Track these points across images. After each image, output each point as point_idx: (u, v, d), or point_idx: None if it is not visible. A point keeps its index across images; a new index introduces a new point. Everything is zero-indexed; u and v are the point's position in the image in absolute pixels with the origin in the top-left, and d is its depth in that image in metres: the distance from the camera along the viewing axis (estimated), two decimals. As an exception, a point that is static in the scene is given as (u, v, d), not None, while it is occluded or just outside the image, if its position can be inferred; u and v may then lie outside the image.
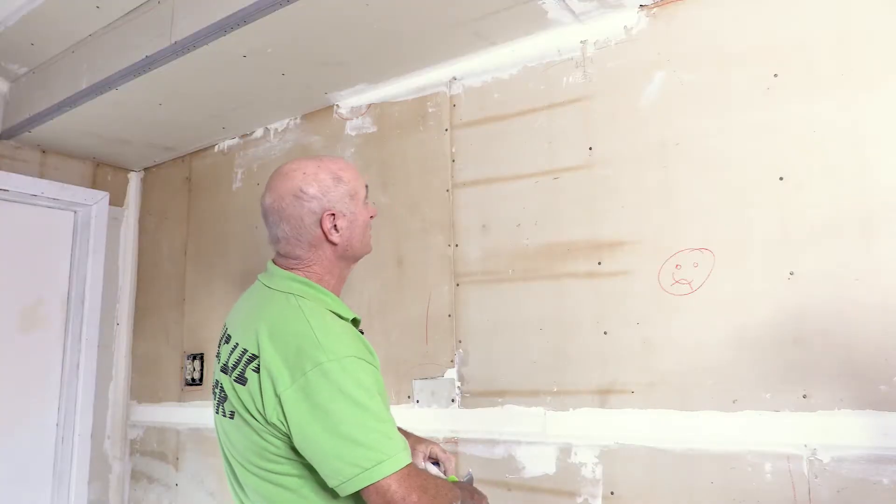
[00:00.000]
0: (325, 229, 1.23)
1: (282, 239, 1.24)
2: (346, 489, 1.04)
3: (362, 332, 1.30)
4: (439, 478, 1.11)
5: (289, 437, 1.10)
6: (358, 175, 1.30)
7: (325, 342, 1.09)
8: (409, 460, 1.06)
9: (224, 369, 1.20)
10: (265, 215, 1.25)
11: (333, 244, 1.25)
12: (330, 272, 1.28)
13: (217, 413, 1.24)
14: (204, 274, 2.51)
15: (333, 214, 1.24)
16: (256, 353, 1.12)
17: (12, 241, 2.50)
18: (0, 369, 2.42)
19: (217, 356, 1.30)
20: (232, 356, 1.18)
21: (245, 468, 1.19)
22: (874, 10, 1.30)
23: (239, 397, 1.14)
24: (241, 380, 1.14)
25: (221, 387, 1.21)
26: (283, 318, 1.15)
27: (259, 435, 1.13)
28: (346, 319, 1.25)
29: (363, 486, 1.02)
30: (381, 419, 1.08)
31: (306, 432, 1.06)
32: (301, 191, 1.22)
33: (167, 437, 2.54)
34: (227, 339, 1.24)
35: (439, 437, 1.74)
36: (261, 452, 1.14)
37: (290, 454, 1.13)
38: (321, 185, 1.23)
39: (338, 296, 1.29)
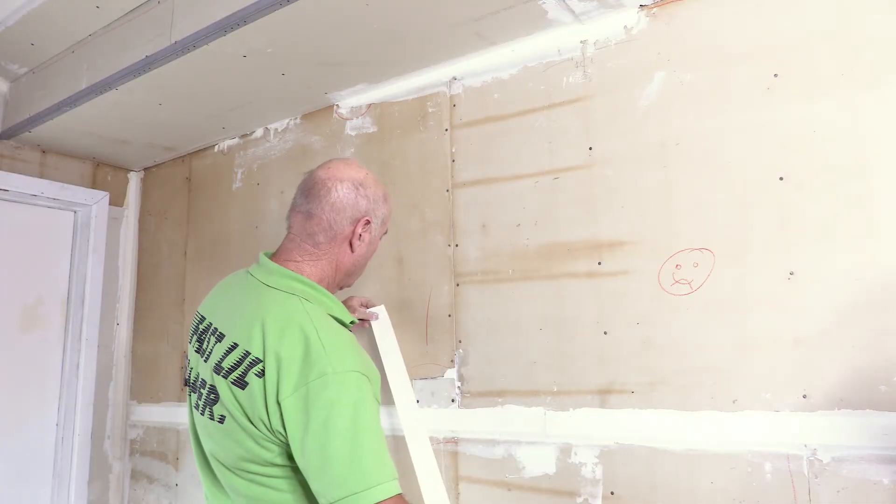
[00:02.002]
0: (357, 231, 1.24)
1: (314, 216, 1.22)
2: None
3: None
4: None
5: (288, 445, 1.06)
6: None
7: (331, 352, 1.06)
8: (398, 490, 1.02)
9: (218, 370, 1.13)
10: (311, 186, 1.23)
11: (351, 250, 1.26)
12: (331, 277, 1.26)
13: (202, 415, 1.17)
14: (204, 274, 2.51)
15: (369, 223, 1.26)
16: (261, 357, 1.08)
17: (12, 241, 2.50)
18: (0, 369, 2.42)
19: (199, 351, 1.22)
20: (229, 357, 1.12)
21: (231, 472, 1.14)
22: (874, 10, 1.30)
23: (237, 401, 1.09)
24: (241, 383, 1.09)
25: (212, 388, 1.14)
26: (291, 322, 1.10)
27: (255, 441, 1.09)
28: (344, 324, 1.23)
29: None
30: (376, 442, 1.04)
31: (302, 444, 1.03)
32: (363, 185, 1.25)
33: (167, 437, 2.54)
34: (220, 337, 1.17)
35: (439, 437, 1.74)
36: (254, 458, 1.10)
37: (287, 461, 1.09)
38: (375, 195, 1.28)
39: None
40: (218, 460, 1.16)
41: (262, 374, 1.07)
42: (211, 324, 1.23)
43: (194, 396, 1.22)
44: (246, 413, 1.08)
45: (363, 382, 1.08)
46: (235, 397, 1.10)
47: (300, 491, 1.12)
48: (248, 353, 1.10)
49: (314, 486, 1.03)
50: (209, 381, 1.16)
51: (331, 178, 1.24)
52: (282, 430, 1.05)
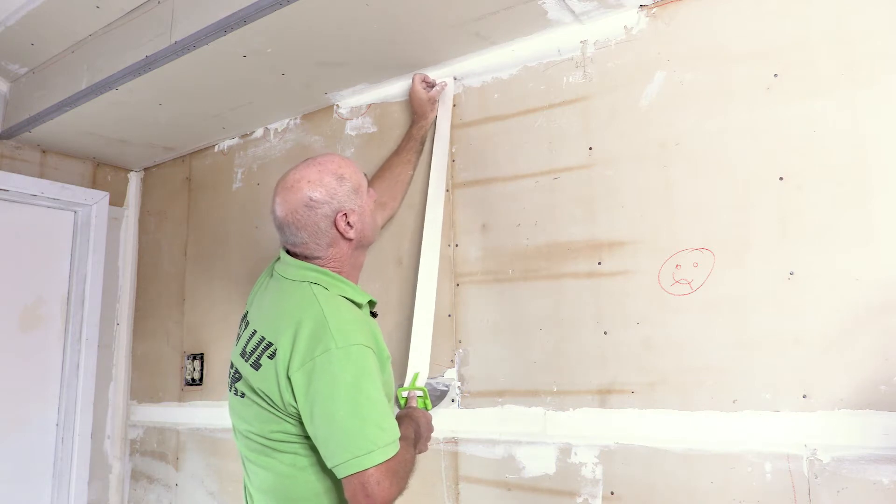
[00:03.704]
0: (341, 229, 1.31)
1: (300, 244, 1.31)
2: (340, 472, 1.11)
3: (375, 315, 1.40)
4: (405, 440, 1.22)
5: (300, 415, 1.18)
6: (356, 168, 1.38)
7: (335, 328, 1.16)
8: (396, 450, 1.14)
9: (242, 354, 1.29)
10: (281, 227, 1.32)
11: (349, 240, 1.33)
12: (349, 264, 1.36)
13: (229, 391, 1.35)
14: (204, 274, 2.51)
15: (346, 213, 1.31)
16: (273, 342, 1.21)
17: (12, 241, 2.50)
18: (0, 369, 2.42)
19: (238, 336, 1.39)
20: (250, 343, 1.28)
21: (248, 443, 1.27)
22: (874, 9, 1.30)
23: (252, 382, 1.24)
24: (256, 365, 1.23)
25: (237, 368, 1.31)
26: (299, 306, 1.23)
27: (270, 419, 1.21)
28: (360, 304, 1.33)
29: (352, 473, 1.09)
30: (377, 408, 1.15)
31: (311, 414, 1.15)
32: (311, 199, 1.28)
33: (167, 437, 2.54)
34: (247, 325, 1.34)
35: (439, 437, 1.74)
36: (270, 434, 1.22)
37: (300, 438, 1.21)
38: (327, 189, 1.30)
39: (355, 283, 1.38)
40: (240, 432, 1.31)
41: (273, 355, 1.20)
42: (247, 312, 1.39)
43: (228, 377, 1.38)
44: (259, 392, 1.22)
45: (367, 354, 1.18)
46: (252, 378, 1.24)
47: (299, 464, 1.22)
48: (263, 339, 1.24)
49: (323, 451, 1.15)
50: (236, 363, 1.32)
51: (289, 212, 1.30)
52: (293, 403, 1.17)
